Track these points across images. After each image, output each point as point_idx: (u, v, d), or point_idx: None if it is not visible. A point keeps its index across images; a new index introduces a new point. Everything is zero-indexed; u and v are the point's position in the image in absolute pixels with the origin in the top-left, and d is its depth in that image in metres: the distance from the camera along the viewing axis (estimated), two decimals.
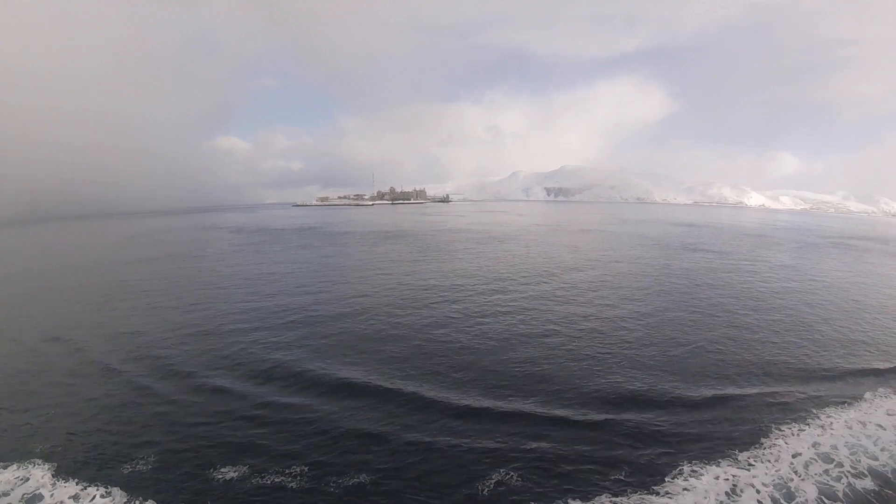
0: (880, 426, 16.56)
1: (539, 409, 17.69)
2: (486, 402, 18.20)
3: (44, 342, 26.41)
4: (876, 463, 14.40)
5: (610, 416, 17.20)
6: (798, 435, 15.80)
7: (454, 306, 33.02)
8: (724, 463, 14.23)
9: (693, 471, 13.87)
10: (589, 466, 14.15)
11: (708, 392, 19.51)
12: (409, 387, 19.53)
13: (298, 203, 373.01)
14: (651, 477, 13.63)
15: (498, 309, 32.39)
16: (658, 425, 16.61)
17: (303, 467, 14.13)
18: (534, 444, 15.30)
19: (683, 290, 38.83)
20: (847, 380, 21.33)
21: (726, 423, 16.87)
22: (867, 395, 19.48)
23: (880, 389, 20.27)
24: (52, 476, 13.80)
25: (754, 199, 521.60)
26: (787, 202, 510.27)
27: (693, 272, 47.21)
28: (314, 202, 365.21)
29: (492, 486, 13.32)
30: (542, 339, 25.84)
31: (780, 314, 31.98)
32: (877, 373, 22.44)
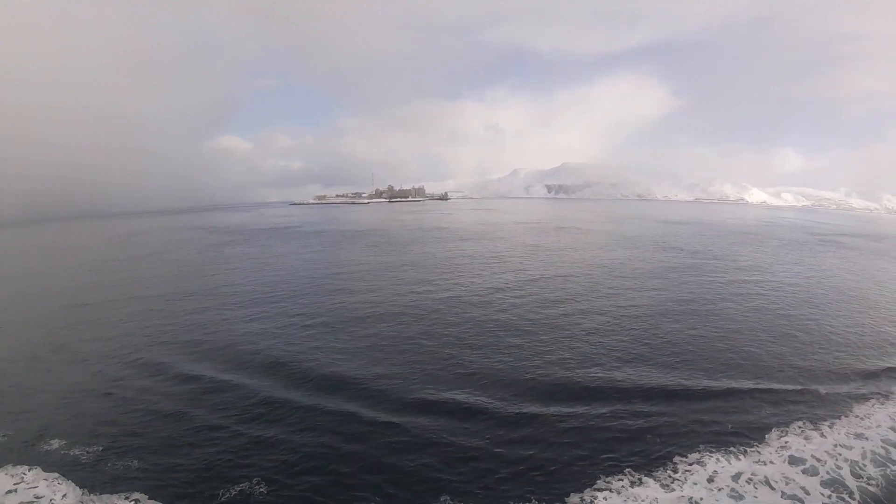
0: (767, 483, 12.83)
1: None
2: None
3: None
4: None
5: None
6: (641, 483, 12.07)
7: (353, 298, 32.77)
8: None
9: None
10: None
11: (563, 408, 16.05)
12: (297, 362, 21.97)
13: (295, 202, 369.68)
14: None
15: (393, 300, 32.41)
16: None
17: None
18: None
19: (615, 291, 35.17)
20: (754, 408, 17.33)
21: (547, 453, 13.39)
22: (773, 433, 15.70)
23: (796, 423, 16.43)
24: None
25: (756, 195, 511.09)
26: (788, 199, 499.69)
27: (643, 272, 43.52)
28: (311, 200, 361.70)
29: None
30: (409, 336, 25.22)
31: (714, 314, 28.20)
32: (800, 392, 18.54)
